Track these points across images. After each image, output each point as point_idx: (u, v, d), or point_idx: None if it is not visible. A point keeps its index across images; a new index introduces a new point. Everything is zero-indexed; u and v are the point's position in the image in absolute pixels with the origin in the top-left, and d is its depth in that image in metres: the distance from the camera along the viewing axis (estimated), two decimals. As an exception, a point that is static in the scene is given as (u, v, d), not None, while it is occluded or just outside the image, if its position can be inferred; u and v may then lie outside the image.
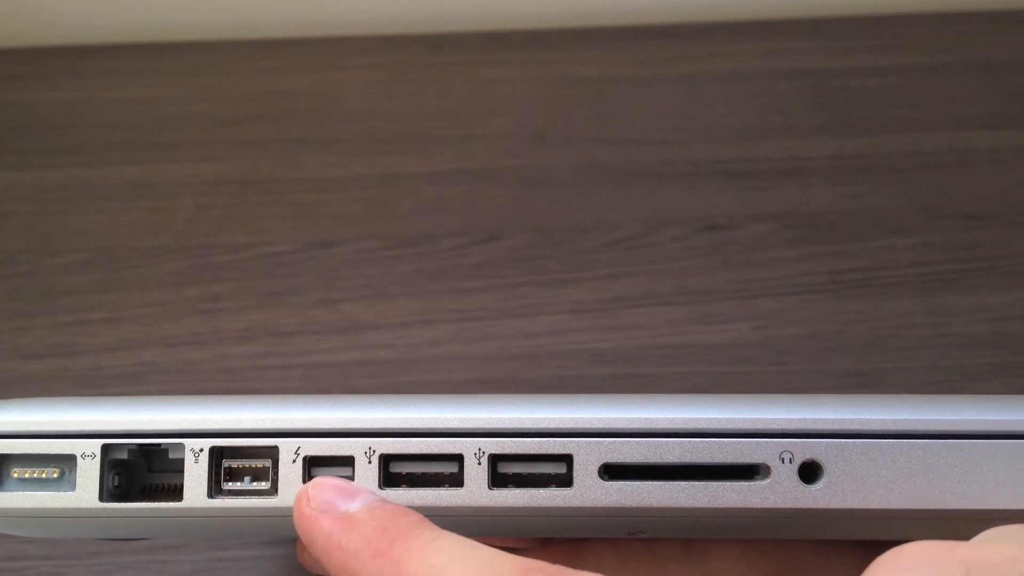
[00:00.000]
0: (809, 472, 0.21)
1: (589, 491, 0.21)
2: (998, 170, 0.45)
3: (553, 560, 0.26)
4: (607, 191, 0.44)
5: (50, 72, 0.50)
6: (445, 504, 0.21)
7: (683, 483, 0.21)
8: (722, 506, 0.21)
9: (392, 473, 0.22)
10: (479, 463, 0.21)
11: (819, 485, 0.21)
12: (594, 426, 0.21)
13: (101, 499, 0.21)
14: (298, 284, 0.41)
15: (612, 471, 0.21)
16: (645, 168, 0.45)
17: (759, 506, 0.21)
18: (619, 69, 0.50)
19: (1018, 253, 0.41)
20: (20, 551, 0.33)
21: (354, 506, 0.20)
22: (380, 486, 0.21)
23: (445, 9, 0.53)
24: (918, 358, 0.38)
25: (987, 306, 0.39)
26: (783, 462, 0.21)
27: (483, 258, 0.42)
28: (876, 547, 0.19)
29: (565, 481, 0.21)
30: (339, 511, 0.20)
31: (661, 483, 0.21)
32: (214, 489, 0.22)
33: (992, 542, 0.17)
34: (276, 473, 0.21)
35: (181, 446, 0.22)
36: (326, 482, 0.21)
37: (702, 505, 0.21)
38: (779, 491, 0.21)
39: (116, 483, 0.22)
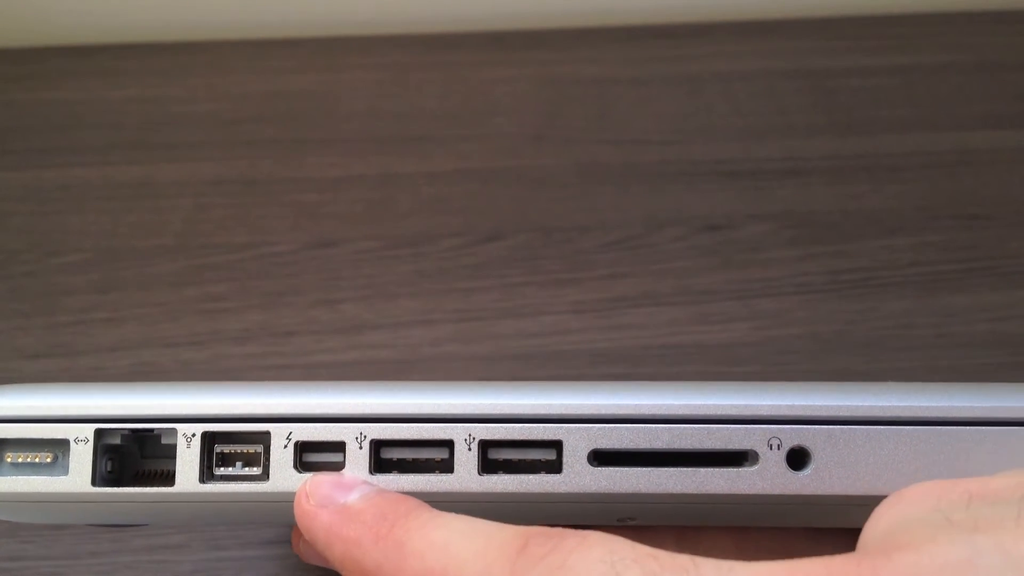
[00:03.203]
0: (797, 458, 0.21)
1: (578, 477, 0.21)
2: (998, 170, 0.45)
3: None
4: (607, 191, 0.44)
5: (50, 72, 0.50)
6: (435, 489, 0.21)
7: (672, 469, 0.21)
8: (710, 492, 0.21)
9: (383, 459, 0.22)
10: (469, 449, 0.21)
11: (807, 471, 0.21)
12: (583, 412, 0.21)
13: (94, 483, 0.21)
14: (298, 284, 0.41)
15: (601, 457, 0.21)
16: (645, 168, 0.45)
17: (747, 492, 0.21)
18: (619, 69, 0.50)
19: (1018, 253, 0.41)
20: (20, 551, 0.33)
21: (352, 497, 0.20)
22: (371, 471, 0.21)
23: (445, 9, 0.53)
24: (918, 358, 0.38)
25: (987, 306, 0.39)
26: (771, 448, 0.21)
27: (483, 258, 0.41)
28: None
29: (555, 467, 0.21)
30: (338, 504, 0.20)
31: (650, 469, 0.21)
32: (206, 474, 0.22)
33: (997, 476, 0.17)
34: (268, 458, 0.22)
35: (174, 431, 0.22)
36: (323, 478, 0.21)
37: (691, 491, 0.21)
38: (767, 477, 0.21)
39: (109, 468, 0.22)
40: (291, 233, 0.43)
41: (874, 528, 0.17)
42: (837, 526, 0.24)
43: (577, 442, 0.21)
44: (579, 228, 0.43)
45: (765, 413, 0.21)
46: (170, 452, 0.22)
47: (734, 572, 0.16)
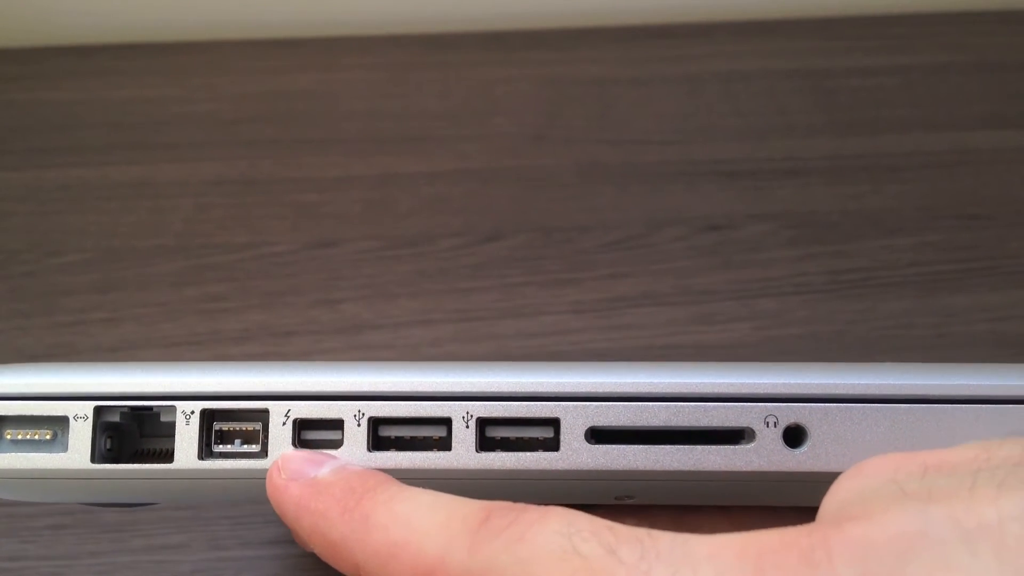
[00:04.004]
0: (793, 436, 0.21)
1: (576, 455, 0.21)
2: (998, 170, 0.45)
3: None
4: (607, 191, 0.44)
5: (50, 72, 0.50)
6: (433, 467, 0.21)
7: (669, 447, 0.21)
8: (707, 469, 0.21)
9: (381, 437, 0.22)
10: (467, 427, 0.21)
11: (803, 449, 0.21)
12: (581, 390, 0.21)
13: (93, 460, 0.22)
14: (298, 284, 0.41)
15: (599, 435, 0.21)
16: (645, 168, 0.45)
17: (744, 469, 0.21)
18: (619, 69, 0.50)
19: (1018, 253, 0.41)
20: (20, 551, 0.33)
21: (322, 471, 0.21)
22: (369, 449, 0.22)
23: (445, 9, 0.53)
24: (918, 358, 0.38)
25: (987, 306, 0.39)
26: (768, 426, 0.21)
27: (483, 258, 0.42)
28: None
29: (552, 445, 0.21)
30: (308, 477, 0.21)
31: (647, 447, 0.21)
32: (204, 451, 0.22)
33: (955, 448, 0.17)
34: (266, 436, 0.22)
35: (172, 408, 0.22)
36: (295, 454, 0.21)
37: (687, 468, 0.21)
38: (764, 455, 0.21)
39: (108, 446, 0.22)
40: (291, 233, 0.43)
41: (831, 500, 0.17)
42: None
43: (575, 420, 0.21)
44: (579, 228, 0.43)
45: (762, 391, 0.21)
46: (169, 430, 0.22)
47: (689, 544, 0.16)
